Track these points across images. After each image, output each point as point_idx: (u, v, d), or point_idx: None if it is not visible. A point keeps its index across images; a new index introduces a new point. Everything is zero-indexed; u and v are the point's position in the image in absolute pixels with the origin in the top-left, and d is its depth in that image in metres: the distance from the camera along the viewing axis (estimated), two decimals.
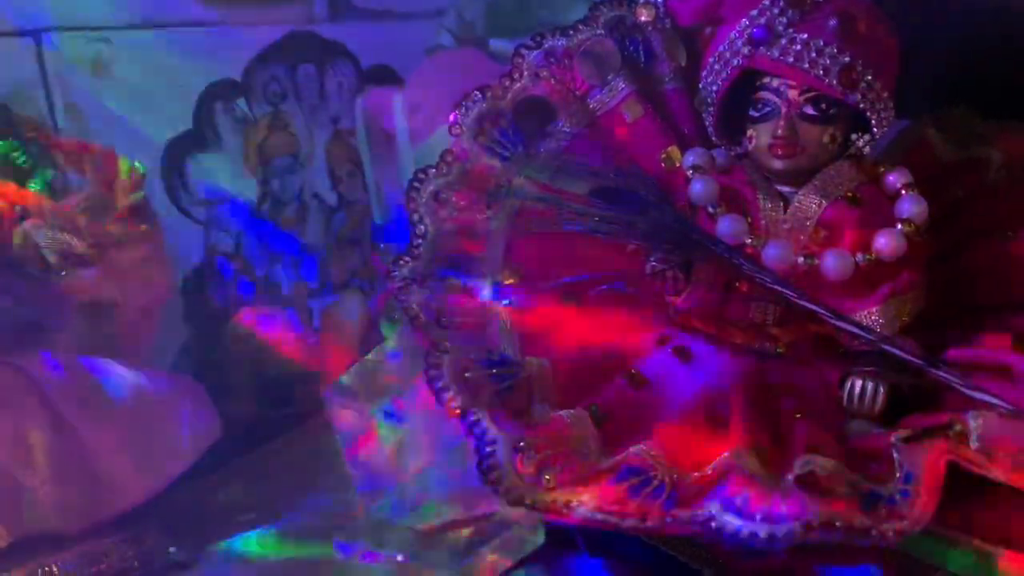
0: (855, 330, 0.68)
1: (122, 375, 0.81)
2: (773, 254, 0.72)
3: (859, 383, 0.69)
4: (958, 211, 0.80)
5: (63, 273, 0.78)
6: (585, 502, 0.63)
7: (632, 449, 0.67)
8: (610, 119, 0.82)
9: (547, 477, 0.65)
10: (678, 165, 0.78)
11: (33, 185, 0.77)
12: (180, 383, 0.85)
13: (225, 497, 0.94)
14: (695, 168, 0.76)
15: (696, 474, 0.64)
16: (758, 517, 0.57)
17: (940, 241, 0.76)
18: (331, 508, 0.90)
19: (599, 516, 0.62)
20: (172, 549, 0.82)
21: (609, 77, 0.81)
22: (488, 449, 0.65)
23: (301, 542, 0.86)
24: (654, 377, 0.73)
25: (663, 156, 0.81)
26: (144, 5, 0.98)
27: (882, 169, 0.76)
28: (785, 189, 0.75)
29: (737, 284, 0.74)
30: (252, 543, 0.87)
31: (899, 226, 0.72)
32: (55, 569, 0.78)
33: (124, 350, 0.83)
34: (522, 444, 0.66)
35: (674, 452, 0.67)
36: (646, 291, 0.78)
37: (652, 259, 0.75)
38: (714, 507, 0.59)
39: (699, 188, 0.75)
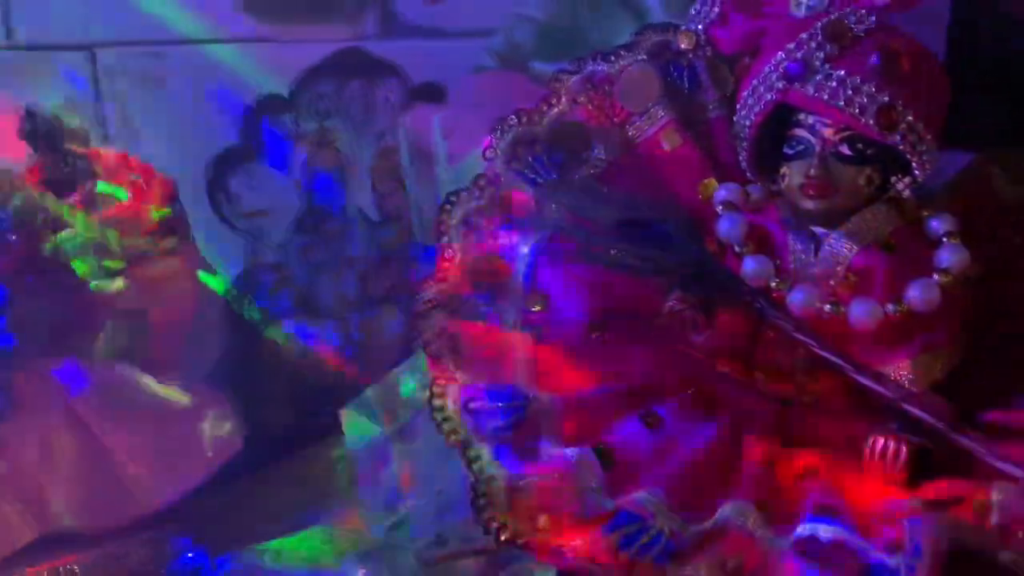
0: (875, 386, 0.64)
1: (147, 384, 0.83)
2: (798, 299, 0.69)
3: (881, 441, 0.65)
4: (1017, 257, 0.75)
5: (93, 284, 0.80)
6: (576, 548, 0.61)
7: (635, 495, 0.65)
8: (648, 147, 0.79)
9: (542, 519, 0.64)
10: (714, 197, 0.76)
11: (70, 196, 0.80)
12: (204, 393, 0.86)
13: (250, 505, 0.96)
14: (725, 204, 0.73)
15: (696, 527, 0.61)
16: None
17: (993, 290, 0.72)
18: (349, 525, 0.91)
19: (588, 564, 0.60)
20: (190, 554, 0.84)
21: (649, 104, 0.80)
22: (482, 488, 0.64)
23: (315, 554, 0.87)
24: (669, 419, 0.71)
25: (700, 187, 0.79)
26: (196, 21, 1.00)
27: (925, 214, 0.72)
28: (819, 230, 0.71)
29: (765, 328, 0.72)
30: (270, 552, 0.88)
31: (935, 276, 0.67)
32: (76, 568, 0.80)
33: (152, 359, 0.85)
34: (520, 484, 0.65)
35: (680, 499, 0.64)
36: (669, 328, 0.76)
37: (672, 297, 0.73)
38: (704, 568, 0.56)
39: (726, 225, 0.72)
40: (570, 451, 0.68)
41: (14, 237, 0.79)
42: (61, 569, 0.80)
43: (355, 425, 0.86)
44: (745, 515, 0.60)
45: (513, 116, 0.81)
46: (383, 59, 1.07)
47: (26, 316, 0.79)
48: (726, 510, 0.61)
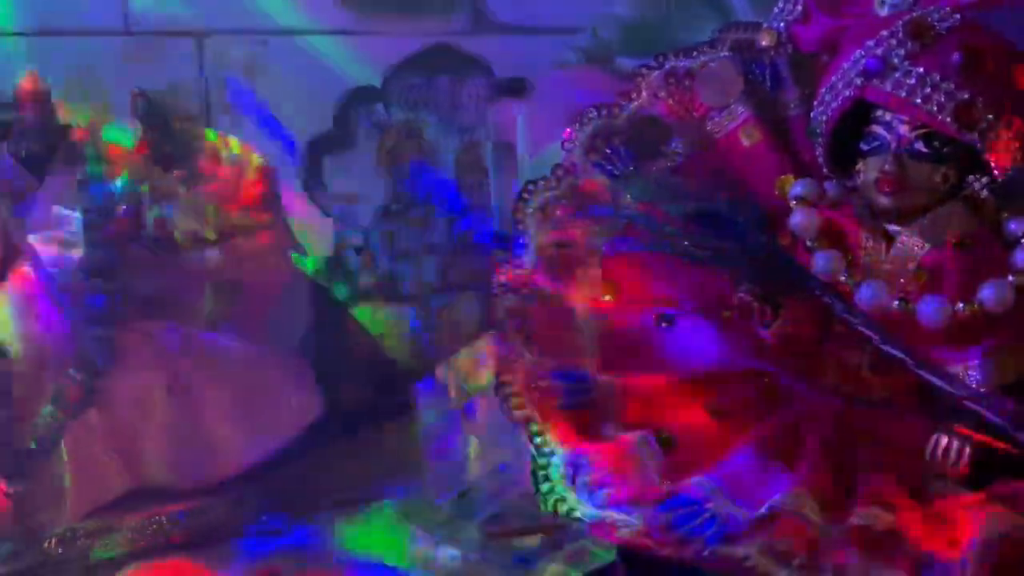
0: (941, 384, 0.63)
1: (237, 350, 0.87)
2: (867, 294, 0.68)
3: (944, 440, 0.64)
4: None
5: (192, 254, 0.86)
6: (631, 524, 0.62)
7: (693, 479, 0.66)
8: (726, 142, 0.79)
9: (600, 496, 0.65)
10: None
11: (174, 171, 0.86)
12: (289, 363, 0.90)
13: (326, 476, 0.99)
14: (798, 199, 0.73)
15: (750, 512, 0.62)
16: (796, 564, 0.55)
17: None
18: (418, 498, 0.94)
19: (641, 539, 0.61)
20: (266, 516, 0.88)
21: (729, 100, 0.80)
22: (544, 460, 0.65)
23: (386, 526, 0.90)
24: (734, 411, 0.72)
25: (777, 183, 0.79)
26: (298, 13, 1.05)
27: (1005, 215, 0.71)
28: (893, 228, 0.72)
29: (833, 324, 0.71)
30: (343, 521, 0.92)
31: (1011, 277, 0.66)
32: (164, 520, 0.85)
33: (243, 326, 0.90)
34: (580, 461, 0.66)
35: (736, 488, 0.65)
36: (737, 320, 0.76)
37: (741, 289, 0.73)
38: (755, 548, 0.57)
39: (799, 220, 0.72)
40: (631, 434, 0.70)
41: (123, 208, 0.85)
42: (151, 520, 0.86)
43: (426, 402, 0.89)
44: (800, 502, 0.60)
45: (593, 109, 0.83)
46: (471, 55, 1.11)
47: (131, 280, 0.85)
48: (781, 497, 0.62)
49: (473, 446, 0.84)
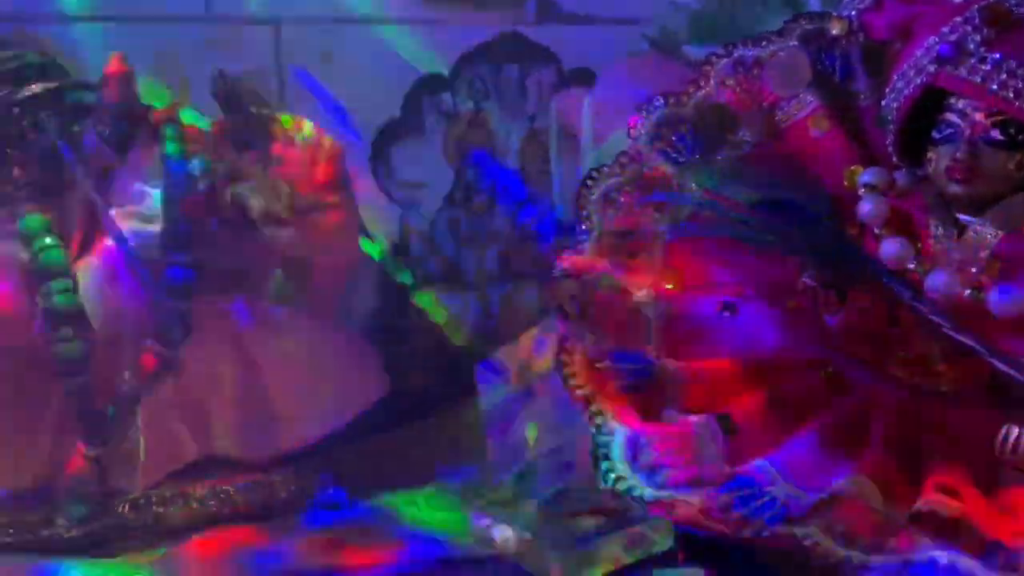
0: (1014, 373, 0.62)
1: (305, 326, 0.90)
2: (937, 283, 0.67)
3: (1015, 431, 0.63)
4: None
5: (266, 232, 0.88)
6: (691, 503, 0.62)
7: (754, 462, 0.66)
8: (795, 132, 0.79)
9: (661, 476, 0.65)
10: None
11: (250, 152, 0.88)
12: (355, 342, 0.92)
13: (388, 453, 1.02)
14: (867, 187, 0.73)
15: (813, 496, 0.61)
16: (859, 545, 0.54)
17: None
18: (475, 479, 0.95)
19: (701, 519, 0.61)
20: (331, 490, 0.90)
21: (799, 90, 0.80)
22: (604, 439, 0.66)
23: (446, 506, 0.92)
24: (797, 399, 0.71)
25: (846, 174, 0.78)
26: (370, 2, 1.07)
27: None
28: (965, 217, 0.70)
29: (900, 312, 0.71)
30: (403, 500, 0.94)
31: None
32: (231, 489, 0.88)
33: (312, 305, 0.92)
34: (640, 440, 0.67)
35: (798, 472, 0.65)
36: (802, 308, 0.76)
37: (806, 275, 0.73)
38: (815, 530, 0.57)
39: (867, 207, 0.72)
40: (693, 418, 0.70)
41: (201, 185, 0.88)
42: (218, 490, 0.89)
43: (486, 385, 0.90)
44: (862, 488, 0.60)
45: (660, 97, 0.83)
46: (539, 44, 1.12)
47: (207, 255, 0.88)
48: (843, 482, 0.61)
49: (533, 428, 0.85)
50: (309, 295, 0.91)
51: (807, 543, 0.58)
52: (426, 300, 1.14)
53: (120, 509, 0.84)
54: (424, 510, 0.90)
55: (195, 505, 0.86)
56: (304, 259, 0.90)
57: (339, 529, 0.87)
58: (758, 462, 0.66)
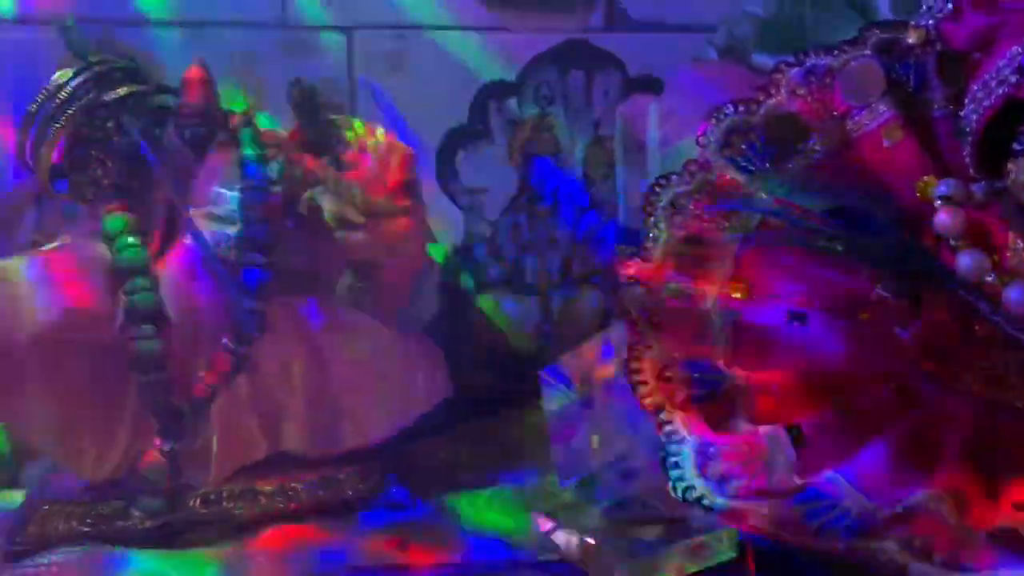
0: None
1: (373, 328, 0.90)
2: (1015, 296, 0.67)
3: None
4: None
5: (338, 234, 0.90)
6: (763, 514, 0.62)
7: (826, 474, 0.66)
8: (867, 142, 0.79)
9: (731, 486, 0.65)
10: (932, 195, 0.75)
11: (324, 157, 0.90)
12: (421, 344, 0.93)
13: (450, 456, 1.03)
14: (944, 199, 0.72)
15: (887, 509, 0.61)
16: (938, 561, 0.54)
17: None
18: (538, 483, 0.95)
19: (773, 530, 0.61)
20: (394, 490, 0.91)
21: (871, 99, 0.79)
22: (675, 448, 0.66)
23: (506, 510, 0.92)
24: (867, 411, 0.71)
25: (919, 184, 0.77)
26: (438, 8, 1.09)
27: None
28: None
29: (976, 325, 0.70)
30: (464, 502, 0.94)
31: None
32: (298, 487, 0.89)
33: (379, 307, 0.93)
34: (711, 450, 0.67)
35: (870, 485, 0.64)
36: (874, 320, 0.75)
37: (880, 287, 0.72)
38: (892, 544, 0.56)
39: (944, 219, 0.71)
40: (763, 429, 0.70)
41: (277, 189, 0.89)
42: (286, 486, 0.90)
43: (550, 390, 0.90)
44: (938, 503, 0.60)
45: (730, 105, 0.84)
46: (605, 51, 1.12)
47: (283, 256, 0.89)
48: (919, 496, 0.61)
49: (596, 435, 0.85)
50: (377, 298, 0.92)
51: (882, 558, 0.58)
52: (487, 304, 1.15)
53: (191, 503, 0.86)
54: (486, 512, 0.91)
55: (263, 501, 0.87)
56: (373, 262, 0.91)
57: (402, 528, 0.88)
58: (829, 474, 0.66)
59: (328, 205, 0.88)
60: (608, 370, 0.86)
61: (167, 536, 0.85)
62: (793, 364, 0.74)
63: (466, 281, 1.14)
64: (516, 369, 1.14)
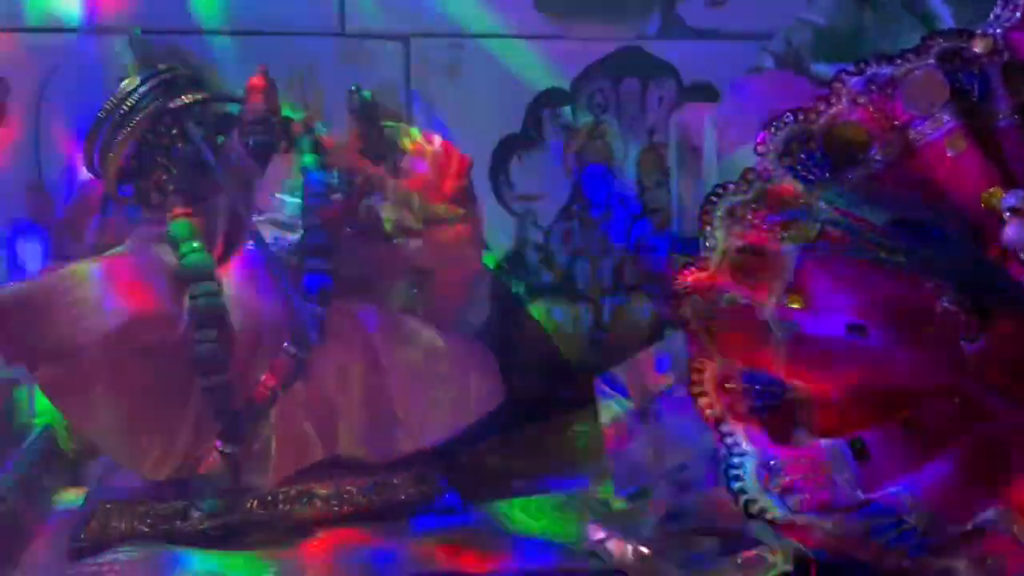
0: None
1: (429, 334, 0.91)
2: None
3: None
4: None
5: (395, 241, 0.90)
6: (827, 529, 0.62)
7: (891, 490, 0.65)
8: (929, 152, 0.78)
9: (793, 499, 0.65)
10: (998, 207, 0.74)
11: (382, 165, 0.91)
12: (475, 350, 0.93)
13: (501, 461, 1.03)
14: (1012, 210, 0.71)
15: (956, 527, 0.60)
16: None
17: None
18: (591, 491, 0.95)
19: (838, 545, 0.61)
20: (447, 495, 0.91)
21: (934, 108, 0.78)
22: (736, 460, 0.66)
23: (558, 517, 0.92)
24: (932, 425, 0.70)
25: (984, 196, 0.76)
26: (495, 16, 1.09)
27: None
28: None
29: None
30: (516, 508, 0.94)
31: None
32: (354, 490, 0.89)
33: (434, 313, 0.93)
34: (772, 463, 0.66)
35: (936, 501, 0.63)
36: (939, 333, 0.74)
37: (946, 299, 0.71)
38: (963, 563, 0.55)
39: (1013, 232, 0.70)
40: (825, 442, 0.69)
41: (337, 196, 0.90)
42: (342, 490, 0.91)
43: (605, 400, 0.90)
44: (1010, 522, 0.59)
45: (789, 114, 0.83)
46: (661, 59, 1.12)
47: (342, 262, 0.90)
48: (989, 514, 0.60)
49: (652, 445, 0.85)
50: (432, 304, 0.93)
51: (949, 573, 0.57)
52: (539, 311, 1.16)
53: (249, 505, 0.87)
54: (538, 519, 0.91)
55: (319, 504, 0.88)
56: (429, 269, 0.92)
57: (454, 534, 0.88)
58: (894, 489, 0.65)
59: (386, 212, 0.89)
60: (664, 380, 0.86)
61: (225, 537, 0.86)
62: (854, 376, 0.73)
63: (517, 287, 1.14)
64: (566, 376, 1.14)
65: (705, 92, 1.10)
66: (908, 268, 0.72)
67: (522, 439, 1.05)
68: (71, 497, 0.95)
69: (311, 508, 0.88)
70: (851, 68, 0.80)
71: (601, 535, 0.84)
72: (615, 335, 1.14)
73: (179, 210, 0.87)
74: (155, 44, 0.92)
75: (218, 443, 0.87)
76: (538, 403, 1.10)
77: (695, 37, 1.12)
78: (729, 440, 0.68)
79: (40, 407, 0.97)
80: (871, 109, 0.78)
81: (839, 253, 0.76)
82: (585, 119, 1.13)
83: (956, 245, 0.71)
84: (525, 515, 0.92)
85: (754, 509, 0.65)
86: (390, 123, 0.91)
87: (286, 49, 1.05)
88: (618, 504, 0.87)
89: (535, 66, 1.10)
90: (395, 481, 0.90)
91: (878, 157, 0.77)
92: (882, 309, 0.75)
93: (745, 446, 0.67)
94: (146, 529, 0.85)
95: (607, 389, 0.88)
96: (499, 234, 1.12)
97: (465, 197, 0.91)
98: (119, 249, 0.90)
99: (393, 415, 0.90)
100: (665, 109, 1.12)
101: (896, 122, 0.77)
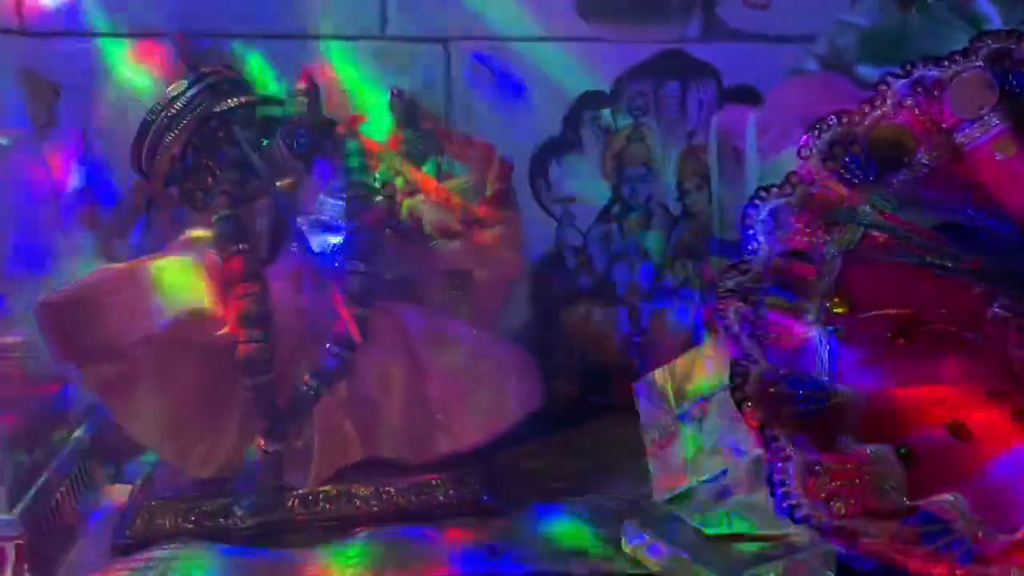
0: None
1: (469, 336, 0.91)
2: None
3: None
4: None
5: (435, 243, 0.91)
6: (874, 535, 0.61)
7: (939, 497, 0.64)
8: (978, 155, 0.77)
9: (838, 505, 0.64)
10: None
11: (424, 168, 0.92)
12: (514, 352, 0.93)
13: (540, 464, 1.03)
14: None
15: (1004, 537, 0.59)
16: None
17: None
18: (629, 495, 0.95)
19: (886, 553, 0.60)
20: (485, 497, 0.91)
21: (983, 111, 0.77)
22: (780, 465, 0.65)
23: (596, 520, 0.92)
24: (981, 432, 0.69)
25: None
26: (535, 19, 1.09)
27: None
28: None
29: None
30: (554, 510, 0.93)
31: None
32: (392, 491, 0.90)
33: (473, 315, 0.94)
34: (817, 467, 0.66)
35: (986, 509, 0.62)
36: (987, 339, 0.73)
37: (996, 305, 0.70)
38: (1016, 572, 0.54)
39: None
40: (871, 447, 0.68)
41: (380, 198, 0.91)
42: (381, 490, 0.91)
43: (645, 402, 0.90)
44: None
45: (833, 116, 0.82)
46: (702, 61, 1.12)
47: (384, 263, 0.91)
48: None
49: (691, 449, 0.85)
50: (472, 306, 0.93)
51: None
52: (578, 314, 1.15)
53: (290, 504, 0.88)
54: (576, 522, 0.91)
55: (359, 504, 0.88)
56: (469, 271, 0.92)
57: (493, 537, 0.88)
58: (943, 496, 0.64)
59: (427, 214, 0.89)
60: (705, 385, 0.86)
61: (265, 536, 0.87)
62: (899, 381, 0.72)
63: (556, 291, 1.14)
64: (605, 380, 1.14)
65: (746, 94, 1.09)
66: (956, 273, 0.71)
67: (561, 443, 1.05)
68: (117, 493, 0.97)
69: (351, 508, 0.88)
70: (897, 70, 0.79)
71: (640, 539, 0.84)
72: (654, 339, 1.14)
73: (225, 212, 0.88)
74: (200, 48, 0.93)
75: (262, 442, 0.88)
76: (577, 406, 1.10)
77: (736, 39, 1.11)
78: (773, 445, 0.68)
79: (88, 405, 0.99)
80: (917, 112, 0.77)
81: (884, 257, 0.76)
82: (625, 122, 1.12)
83: (1007, 250, 0.70)
84: (565, 518, 0.92)
85: (798, 515, 0.64)
86: (431, 126, 0.92)
87: (329, 52, 1.06)
88: (657, 508, 0.86)
89: (575, 69, 1.09)
90: (434, 482, 0.90)
91: (924, 160, 0.76)
92: (929, 314, 0.74)
93: (788, 451, 0.67)
94: (190, 526, 0.86)
95: (646, 393, 0.88)
96: (538, 237, 1.12)
97: (505, 200, 0.91)
98: (167, 250, 0.92)
99: (433, 417, 0.91)
100: (705, 112, 1.11)
101: (943, 125, 0.76)
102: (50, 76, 1.04)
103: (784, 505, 0.64)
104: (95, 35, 1.05)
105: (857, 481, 0.64)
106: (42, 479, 0.87)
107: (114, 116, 1.02)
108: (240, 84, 0.92)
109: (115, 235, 1.04)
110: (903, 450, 0.66)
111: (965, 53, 0.77)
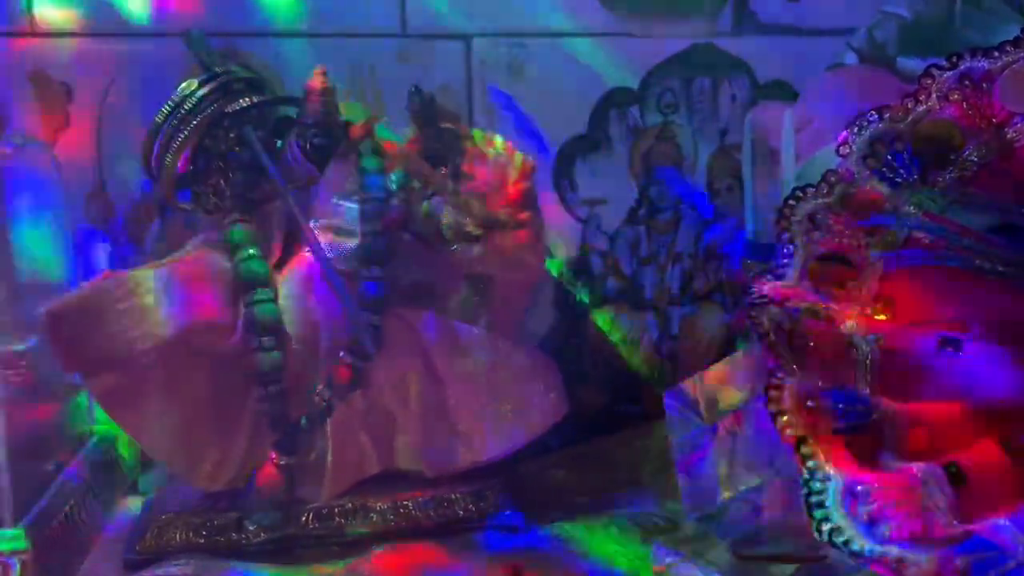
0: None
1: (489, 344, 0.88)
2: None
3: None
4: None
5: (454, 247, 0.88)
6: (922, 566, 0.57)
7: (992, 521, 0.60)
8: None
9: (883, 529, 0.60)
10: None
11: (442, 168, 0.89)
12: (537, 360, 0.90)
13: (565, 477, 1.00)
14: None
15: None
16: None
17: None
18: (659, 512, 0.91)
19: None
20: (507, 512, 0.88)
21: None
22: (819, 484, 0.61)
23: (623, 538, 0.89)
24: None
25: None
26: (558, 15, 1.06)
27: None
28: None
29: None
30: (579, 527, 0.91)
31: None
32: (411, 505, 0.88)
33: (495, 322, 0.91)
34: (859, 489, 0.62)
35: None
36: None
37: None
38: None
39: None
40: (916, 466, 0.64)
41: (396, 201, 0.89)
42: (399, 504, 0.89)
43: (674, 416, 0.86)
44: None
45: (873, 112, 0.78)
46: (734, 56, 1.08)
47: (401, 268, 0.89)
48: None
49: (724, 465, 0.81)
50: (493, 312, 0.90)
51: None
52: (604, 320, 1.12)
53: (305, 519, 0.85)
54: (603, 540, 0.87)
55: (375, 518, 0.86)
56: (490, 275, 0.89)
57: (516, 553, 0.85)
58: (997, 521, 0.60)
59: (446, 217, 0.87)
60: (738, 396, 0.82)
61: (280, 551, 0.85)
62: (946, 394, 0.68)
63: (581, 295, 1.11)
64: (633, 389, 1.10)
65: (781, 90, 1.06)
66: (1009, 278, 0.67)
67: (587, 454, 1.02)
68: (129, 506, 0.95)
69: (367, 522, 0.86)
70: (943, 62, 0.75)
71: (670, 559, 0.80)
72: (684, 346, 1.10)
73: (236, 215, 0.87)
74: (214, 46, 0.91)
75: (274, 455, 0.86)
76: (603, 416, 1.07)
77: (769, 33, 1.08)
78: (811, 463, 0.64)
79: (99, 415, 0.98)
80: (965, 106, 0.73)
81: (930, 261, 0.72)
82: (654, 120, 1.09)
83: None
84: (590, 535, 0.89)
85: (838, 539, 0.60)
86: (451, 125, 0.89)
87: (346, 50, 1.03)
88: (688, 526, 0.83)
89: (601, 65, 1.06)
90: (453, 496, 0.88)
91: (973, 158, 0.72)
92: (979, 321, 0.70)
93: (828, 469, 0.63)
94: (202, 541, 0.84)
95: (677, 403, 0.84)
96: (564, 240, 1.09)
97: (528, 201, 0.88)
98: (177, 255, 0.90)
99: (452, 428, 0.88)
100: (738, 108, 1.08)
101: (993, 120, 0.72)
102: (62, 77, 1.03)
103: (823, 528, 0.60)
104: (110, 35, 1.03)
105: (903, 503, 0.60)
106: (51, 491, 0.86)
107: (127, 118, 1.01)
108: (253, 84, 0.89)
109: (129, 240, 1.03)
110: (952, 468, 0.62)
111: (1016, 43, 0.73)
